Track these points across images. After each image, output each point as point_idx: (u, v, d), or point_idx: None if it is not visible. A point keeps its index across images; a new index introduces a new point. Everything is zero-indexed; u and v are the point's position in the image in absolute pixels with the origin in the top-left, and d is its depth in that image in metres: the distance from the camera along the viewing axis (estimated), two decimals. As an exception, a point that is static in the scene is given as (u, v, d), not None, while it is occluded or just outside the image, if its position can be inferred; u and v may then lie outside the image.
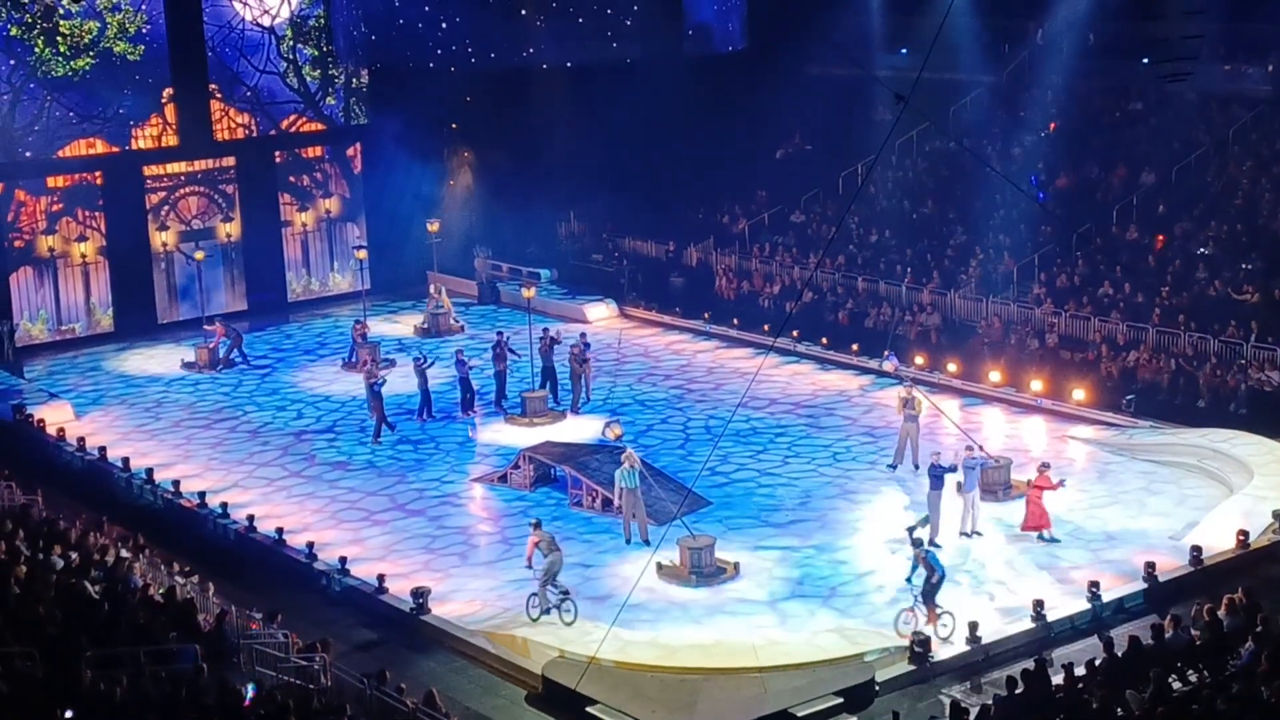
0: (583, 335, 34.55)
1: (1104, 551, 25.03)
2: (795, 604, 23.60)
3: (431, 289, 41.02)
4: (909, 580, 22.40)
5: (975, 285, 36.91)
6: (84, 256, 40.70)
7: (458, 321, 40.43)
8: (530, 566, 23.13)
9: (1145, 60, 39.65)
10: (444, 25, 40.51)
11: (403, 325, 40.67)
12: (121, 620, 20.19)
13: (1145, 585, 23.16)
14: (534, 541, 22.94)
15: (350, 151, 45.05)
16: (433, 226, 42.48)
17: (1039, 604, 22.31)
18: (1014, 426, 31.44)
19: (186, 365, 37.77)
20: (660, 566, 24.21)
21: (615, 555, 25.44)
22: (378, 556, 25.68)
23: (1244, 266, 33.92)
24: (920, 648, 21.08)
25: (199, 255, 40.78)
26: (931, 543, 24.04)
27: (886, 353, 32.52)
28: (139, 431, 33.03)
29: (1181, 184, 37.96)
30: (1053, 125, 42.16)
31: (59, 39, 39.44)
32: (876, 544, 25.69)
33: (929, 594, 21.90)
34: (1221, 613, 20.07)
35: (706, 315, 39.53)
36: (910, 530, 22.90)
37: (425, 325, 40.29)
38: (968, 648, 21.49)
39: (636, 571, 22.57)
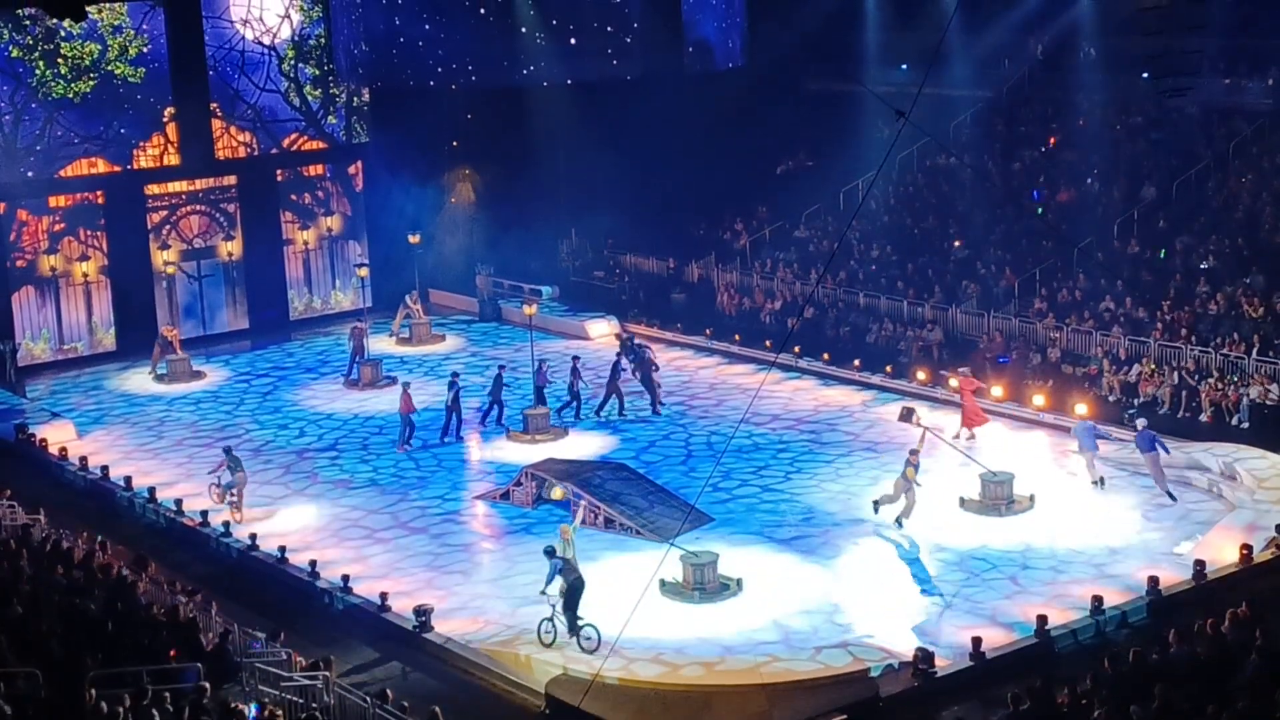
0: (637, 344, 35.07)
1: (1107, 566, 25.01)
2: (799, 619, 23.58)
3: (407, 299, 41.18)
4: (544, 592, 22.62)
5: (976, 300, 36.93)
6: (86, 276, 40.74)
7: (435, 332, 40.99)
8: (219, 483, 28.50)
9: (1145, 74, 39.71)
10: (445, 44, 40.58)
11: (384, 341, 40.64)
12: (124, 640, 20.16)
13: (1148, 599, 23.15)
14: (224, 463, 28.66)
15: (351, 169, 45.12)
16: (414, 239, 42.56)
17: (1042, 619, 22.30)
18: (1017, 441, 31.40)
19: (159, 378, 37.84)
20: (663, 583, 24.19)
21: (618, 572, 25.41)
22: (380, 574, 25.66)
23: (1245, 280, 33.92)
24: (924, 664, 21.06)
25: (170, 270, 40.98)
26: (1169, 494, 27.07)
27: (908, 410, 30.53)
28: (141, 450, 33.03)
29: (1182, 198, 37.99)
30: (1053, 140, 42.22)
31: (60, 61, 39.52)
32: (880, 559, 25.70)
33: (568, 604, 22.23)
34: (1225, 627, 20.03)
35: (708, 331, 39.55)
36: (548, 549, 22.92)
37: (405, 336, 40.46)
38: (971, 663, 21.47)
39: (639, 588, 22.53)
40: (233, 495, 28.53)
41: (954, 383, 32.11)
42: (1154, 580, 23.38)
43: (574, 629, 22.30)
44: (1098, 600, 22.90)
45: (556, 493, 27.47)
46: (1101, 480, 28.33)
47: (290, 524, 28.41)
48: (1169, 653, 19.38)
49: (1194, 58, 33.94)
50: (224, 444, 30.61)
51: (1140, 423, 28.58)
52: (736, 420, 31.42)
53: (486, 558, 26.83)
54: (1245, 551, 24.25)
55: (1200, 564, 23.86)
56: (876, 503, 27.16)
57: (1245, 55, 40.41)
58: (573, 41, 40.88)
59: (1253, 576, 23.80)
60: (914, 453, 27.36)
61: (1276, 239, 35.22)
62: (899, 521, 26.74)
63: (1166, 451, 27.64)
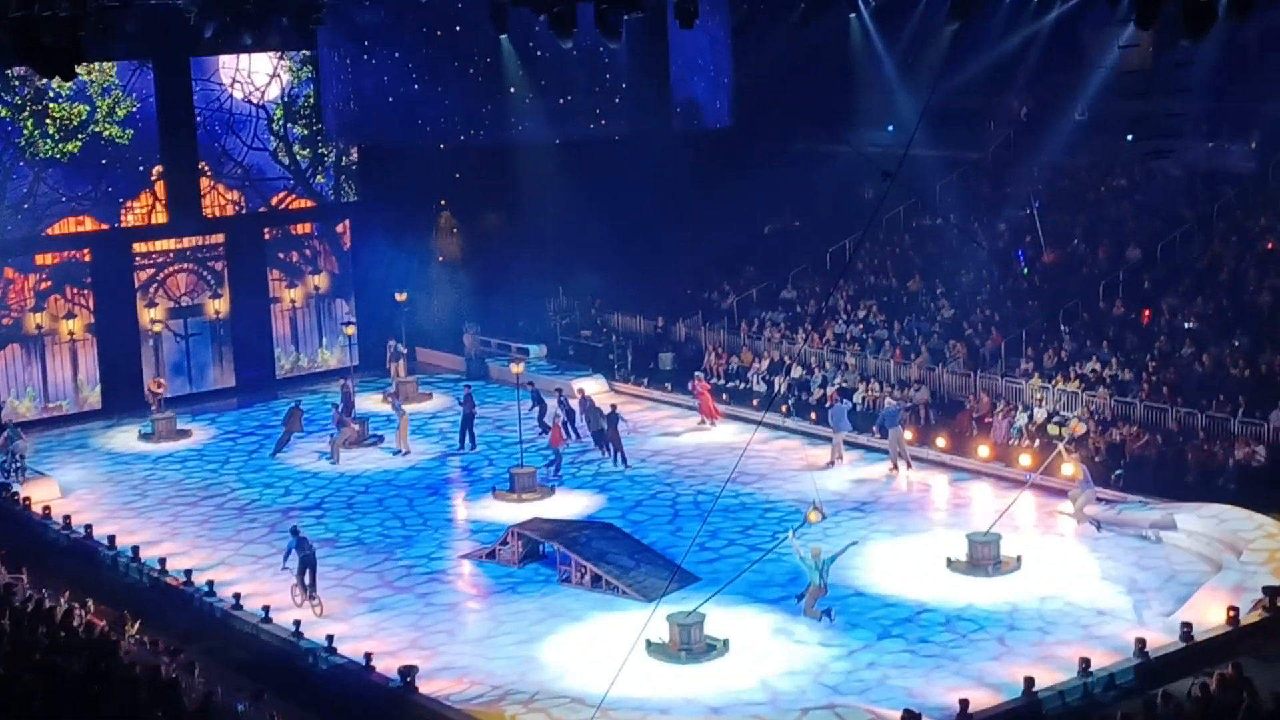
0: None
1: (1094, 627, 24.97)
2: (785, 680, 23.48)
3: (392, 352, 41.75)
4: (285, 566, 26.90)
5: (963, 360, 37.00)
6: (72, 333, 40.69)
7: (422, 390, 41.38)
8: (15, 458, 33.41)
9: (1130, 137, 39.98)
10: (433, 103, 40.75)
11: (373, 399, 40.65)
12: (106, 699, 19.99)
13: (1136, 661, 23.09)
14: (5, 436, 33.59)
15: (340, 228, 45.20)
16: (401, 297, 42.62)
17: (1029, 680, 22.22)
18: (1003, 501, 31.34)
19: (143, 437, 37.83)
20: (650, 643, 24.09)
21: (604, 631, 25.31)
22: (365, 634, 25.51)
23: (1232, 342, 33.99)
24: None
25: (157, 328, 40.94)
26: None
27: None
28: (125, 509, 32.88)
29: (1167, 260, 38.16)
30: (1037, 202, 42.43)
31: (48, 121, 39.62)
32: (867, 620, 25.61)
33: (300, 572, 26.42)
34: (1213, 688, 19.97)
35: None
36: (296, 534, 27.04)
37: (394, 391, 40.53)
38: (959, 725, 21.40)
39: (625, 649, 22.44)
40: (18, 463, 33.28)
41: (692, 384, 38.05)
42: (1141, 642, 23.33)
43: (313, 597, 26.42)
44: (1085, 662, 22.84)
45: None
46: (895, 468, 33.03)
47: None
48: (1156, 714, 19.31)
49: (1176, 120, 34.21)
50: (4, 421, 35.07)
51: (889, 402, 34.22)
52: (723, 479, 31.37)
53: (472, 617, 26.71)
54: (1232, 613, 24.20)
55: (1188, 626, 23.81)
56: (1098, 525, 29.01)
57: (1228, 118, 40.69)
58: (561, 101, 41.05)
59: (1240, 638, 23.73)
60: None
61: (1260, 300, 35.35)
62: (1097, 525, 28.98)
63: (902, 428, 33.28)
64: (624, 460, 34.58)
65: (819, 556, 25.23)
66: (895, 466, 33.36)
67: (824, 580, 25.14)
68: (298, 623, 25.47)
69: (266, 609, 26.15)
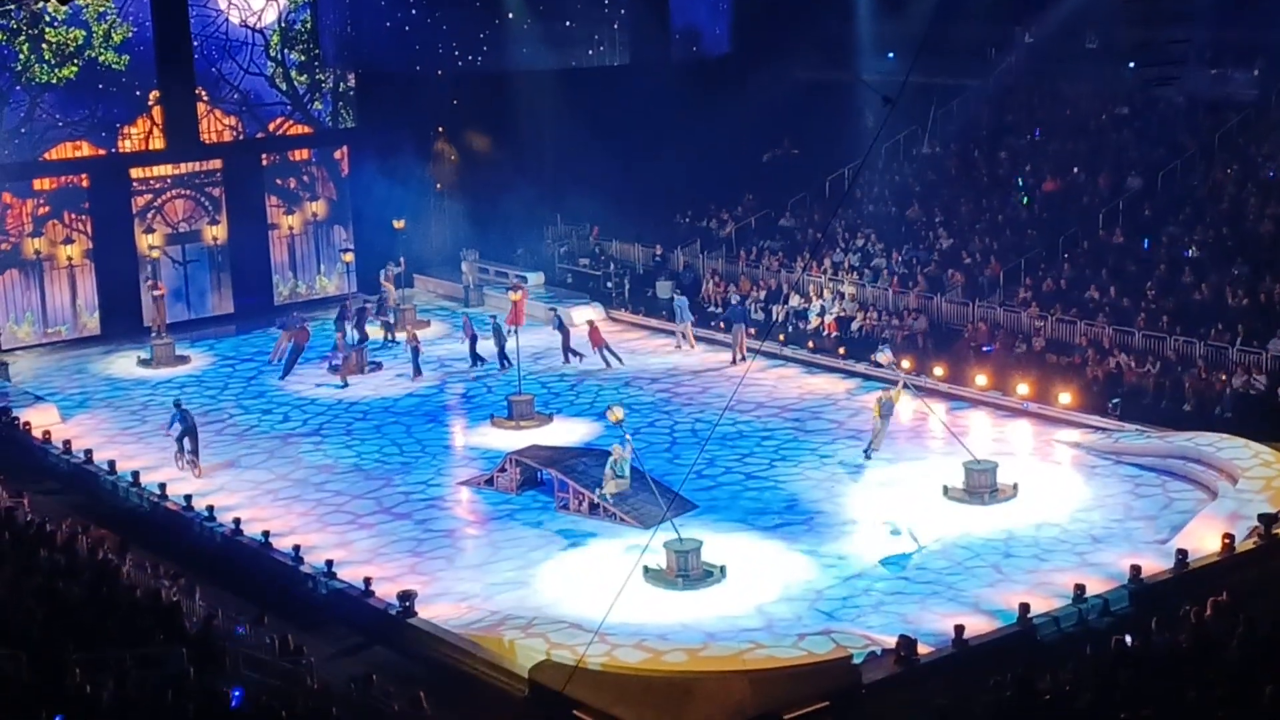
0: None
1: (1089, 554, 25.09)
2: (781, 606, 23.63)
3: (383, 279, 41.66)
4: (168, 434, 30.30)
5: (961, 289, 36.98)
6: (70, 259, 40.64)
7: (420, 318, 41.22)
8: None
9: (1132, 64, 39.78)
10: (431, 29, 40.51)
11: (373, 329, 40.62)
12: (107, 623, 20.12)
13: (1131, 588, 23.22)
14: None
15: (337, 154, 45.01)
16: (398, 224, 42.54)
17: (1025, 606, 22.36)
18: (1000, 430, 31.47)
19: (142, 363, 37.96)
20: (647, 570, 24.23)
21: (601, 558, 25.46)
22: (364, 560, 25.67)
23: (1231, 270, 33.94)
24: (907, 651, 21.09)
25: (155, 254, 40.93)
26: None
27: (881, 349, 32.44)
28: (125, 434, 32.96)
29: (1168, 188, 38.06)
30: (1038, 130, 42.25)
31: (44, 46, 39.37)
32: (862, 547, 25.75)
33: (180, 439, 29.79)
34: (1207, 615, 20.10)
35: (693, 319, 39.52)
36: (178, 406, 30.29)
37: (390, 320, 40.53)
38: (954, 650, 21.53)
39: (623, 574, 22.56)
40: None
41: (514, 293, 37.38)
42: (1136, 569, 23.46)
43: (193, 462, 29.72)
44: (1080, 588, 22.97)
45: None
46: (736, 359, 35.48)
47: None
48: (1150, 640, 19.44)
49: (1180, 48, 34.04)
50: None
51: (735, 298, 37.57)
52: (721, 407, 31.44)
53: (470, 544, 26.85)
54: (1227, 541, 24.32)
55: (1182, 553, 23.93)
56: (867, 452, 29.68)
57: (1231, 46, 40.42)
58: (560, 27, 40.82)
59: (1235, 566, 23.86)
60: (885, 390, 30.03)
61: (1261, 229, 35.29)
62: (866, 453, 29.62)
63: (749, 326, 36.24)
64: (616, 358, 36.38)
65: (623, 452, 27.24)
66: (735, 360, 35.95)
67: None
68: (297, 547, 25.60)
69: (266, 534, 26.26)
